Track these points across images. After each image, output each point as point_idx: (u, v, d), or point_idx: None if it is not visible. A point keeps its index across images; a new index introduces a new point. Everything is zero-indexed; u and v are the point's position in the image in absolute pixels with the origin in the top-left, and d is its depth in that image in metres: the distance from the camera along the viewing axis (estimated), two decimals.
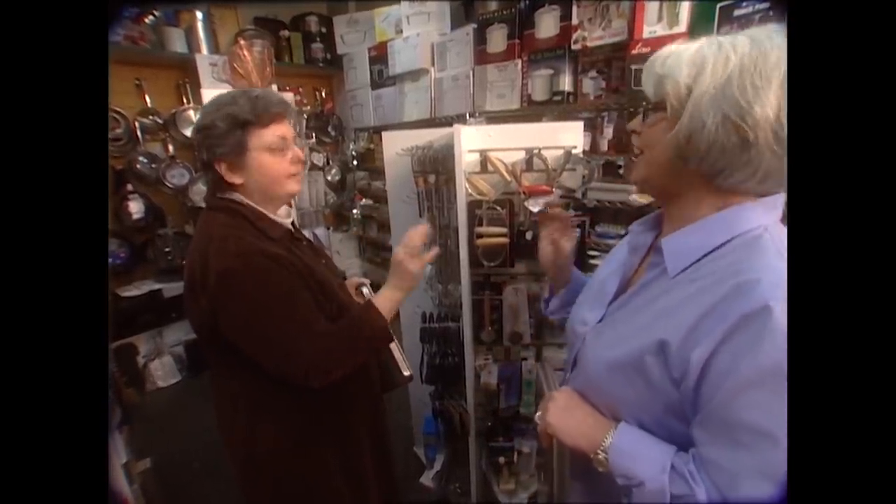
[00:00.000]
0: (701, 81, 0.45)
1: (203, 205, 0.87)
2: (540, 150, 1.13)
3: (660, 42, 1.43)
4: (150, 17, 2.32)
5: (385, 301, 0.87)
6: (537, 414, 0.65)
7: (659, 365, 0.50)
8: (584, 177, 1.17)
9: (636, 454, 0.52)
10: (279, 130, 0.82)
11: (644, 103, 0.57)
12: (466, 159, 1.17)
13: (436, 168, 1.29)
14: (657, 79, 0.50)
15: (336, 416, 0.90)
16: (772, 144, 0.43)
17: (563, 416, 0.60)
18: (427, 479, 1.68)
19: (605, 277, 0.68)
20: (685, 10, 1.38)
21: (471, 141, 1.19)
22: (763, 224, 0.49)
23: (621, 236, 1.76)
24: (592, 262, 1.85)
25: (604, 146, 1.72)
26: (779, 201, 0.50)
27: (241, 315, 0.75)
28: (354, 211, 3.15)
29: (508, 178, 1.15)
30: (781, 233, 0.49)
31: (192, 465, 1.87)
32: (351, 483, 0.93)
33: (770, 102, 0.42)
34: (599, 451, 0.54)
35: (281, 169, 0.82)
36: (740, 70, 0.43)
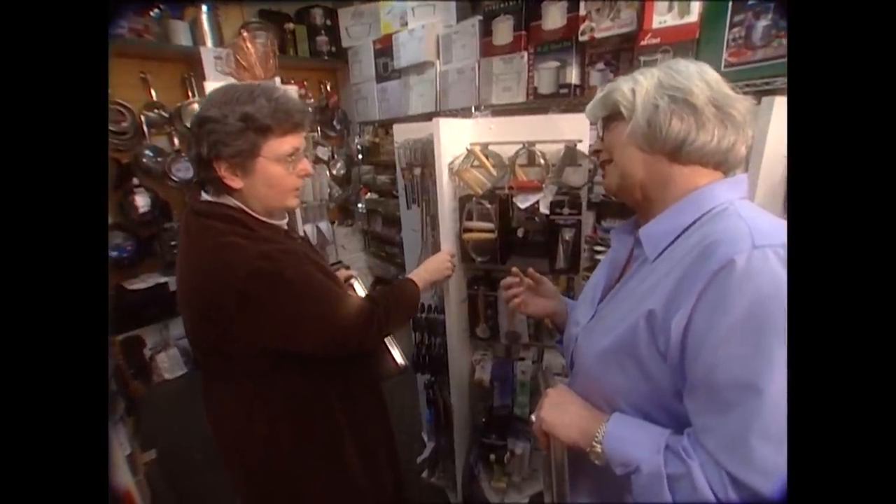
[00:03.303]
0: (639, 85, 0.55)
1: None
2: (534, 143, 1.11)
3: (670, 32, 1.39)
4: (155, 10, 2.32)
5: (424, 283, 1.01)
6: (533, 413, 0.64)
7: (648, 339, 0.51)
8: (589, 171, 1.14)
9: (630, 438, 0.53)
10: (295, 141, 0.76)
11: (597, 126, 0.64)
12: (457, 152, 1.15)
13: (426, 161, 1.27)
14: (602, 100, 0.60)
15: (348, 408, 0.91)
16: (713, 110, 0.52)
17: (557, 411, 0.61)
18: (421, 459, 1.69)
19: (595, 282, 0.70)
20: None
21: (473, 134, 1.17)
22: (728, 199, 0.53)
23: None
24: (599, 257, 1.83)
25: None
26: (740, 180, 0.56)
27: (279, 310, 0.73)
28: (359, 205, 3.14)
29: (493, 172, 1.13)
30: (745, 205, 0.53)
31: (196, 457, 1.88)
32: (368, 473, 0.95)
33: (700, 84, 0.52)
34: (595, 443, 0.55)
35: (288, 183, 0.78)
36: (662, 76, 0.55)
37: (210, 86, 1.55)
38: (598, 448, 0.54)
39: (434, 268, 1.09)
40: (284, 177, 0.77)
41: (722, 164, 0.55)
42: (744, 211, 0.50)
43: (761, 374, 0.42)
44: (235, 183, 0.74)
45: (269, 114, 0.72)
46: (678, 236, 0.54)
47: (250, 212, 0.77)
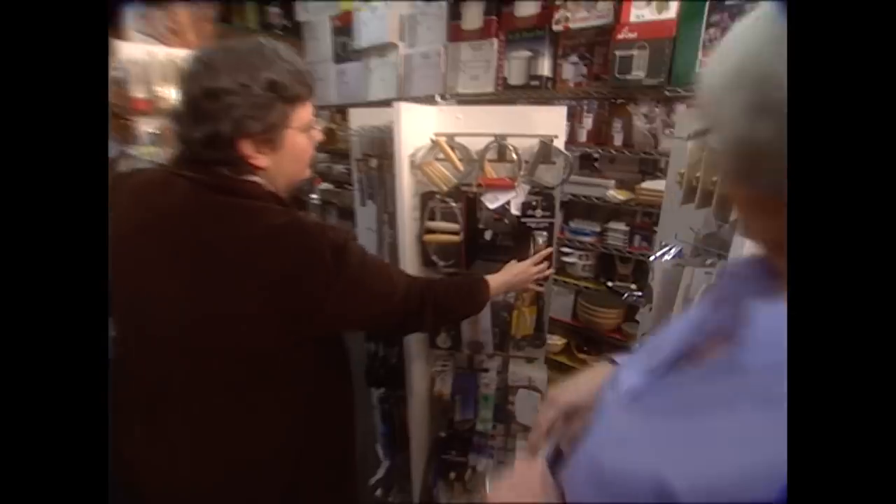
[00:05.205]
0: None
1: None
2: (506, 137, 1.01)
3: (647, 27, 1.33)
4: None
5: (497, 285, 0.93)
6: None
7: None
8: (564, 169, 1.06)
9: None
10: (311, 108, 0.70)
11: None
12: (419, 143, 1.04)
13: (384, 151, 1.15)
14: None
15: (352, 408, 0.87)
16: None
17: (514, 495, 0.48)
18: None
19: (668, 335, 0.46)
20: None
21: (437, 123, 1.05)
22: None
23: (597, 233, 1.68)
24: (565, 258, 1.77)
25: (582, 136, 1.62)
26: None
27: (361, 281, 0.70)
28: (313, 196, 2.96)
29: (460, 167, 1.04)
30: None
31: None
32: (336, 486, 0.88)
33: None
34: None
35: (308, 153, 0.73)
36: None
37: (127, 47, 1.30)
38: None
39: (515, 271, 0.98)
40: (307, 147, 0.72)
41: None
42: None
43: None
44: (262, 162, 0.65)
45: (292, 80, 0.64)
46: None
47: (275, 192, 0.69)
